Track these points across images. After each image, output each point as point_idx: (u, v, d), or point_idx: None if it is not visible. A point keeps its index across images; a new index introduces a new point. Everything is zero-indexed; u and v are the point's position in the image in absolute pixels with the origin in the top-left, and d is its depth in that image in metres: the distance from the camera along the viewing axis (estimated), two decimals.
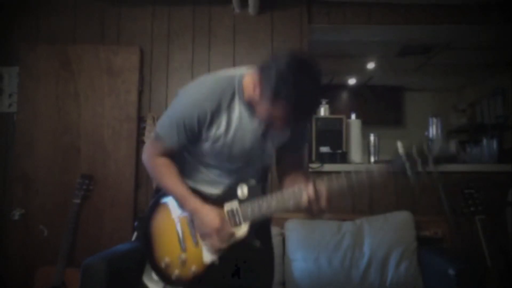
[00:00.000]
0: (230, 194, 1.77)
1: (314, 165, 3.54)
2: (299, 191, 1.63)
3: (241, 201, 1.75)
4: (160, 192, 1.88)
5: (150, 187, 3.31)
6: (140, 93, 3.59)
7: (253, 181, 1.80)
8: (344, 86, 6.89)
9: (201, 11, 3.66)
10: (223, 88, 1.67)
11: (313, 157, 3.67)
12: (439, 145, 1.55)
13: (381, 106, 6.92)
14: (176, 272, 1.80)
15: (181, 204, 1.78)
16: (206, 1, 3.64)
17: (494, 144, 4.40)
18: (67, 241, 3.18)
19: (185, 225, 1.80)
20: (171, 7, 3.67)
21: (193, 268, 1.78)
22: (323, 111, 3.92)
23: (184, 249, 1.79)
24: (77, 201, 3.28)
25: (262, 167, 1.87)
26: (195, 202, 1.73)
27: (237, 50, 3.61)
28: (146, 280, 2.95)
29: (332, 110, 4.15)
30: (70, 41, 3.62)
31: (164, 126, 1.77)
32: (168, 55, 3.65)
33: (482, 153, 4.43)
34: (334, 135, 3.79)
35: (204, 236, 1.73)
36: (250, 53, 3.60)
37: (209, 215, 1.70)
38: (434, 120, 4.49)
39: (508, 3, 3.57)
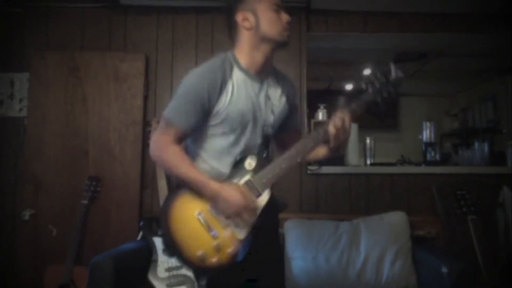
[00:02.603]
0: (238, 170, 1.76)
1: (312, 167, 3.55)
2: (317, 132, 1.77)
3: (252, 172, 1.75)
4: (168, 195, 1.85)
5: (155, 188, 3.32)
6: (146, 98, 3.61)
7: (257, 151, 1.81)
8: (341, 91, 6.90)
9: (204, 19, 3.69)
10: (221, 63, 1.78)
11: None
12: (393, 70, 1.77)
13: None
14: (214, 260, 1.69)
15: (201, 190, 1.69)
16: (209, 10, 3.66)
17: (485, 147, 4.40)
18: (75, 240, 3.19)
19: (208, 213, 1.71)
20: (175, 15, 3.69)
21: (230, 249, 1.69)
22: (321, 115, 3.93)
23: (216, 236, 1.69)
24: (85, 202, 3.29)
25: (264, 137, 1.87)
26: (215, 185, 1.67)
27: None
28: (151, 277, 2.98)
29: (330, 115, 4.15)
30: (78, 48, 3.64)
31: (174, 110, 1.75)
32: (172, 61, 3.67)
33: (474, 156, 4.44)
34: None
35: (233, 215, 1.66)
36: None
37: (232, 194, 1.65)
38: (428, 124, 4.51)
39: (499, 14, 3.59)
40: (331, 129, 1.72)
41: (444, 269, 2.58)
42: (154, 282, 2.97)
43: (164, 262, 3.02)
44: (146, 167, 3.54)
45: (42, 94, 3.51)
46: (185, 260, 1.71)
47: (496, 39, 3.89)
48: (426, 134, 4.45)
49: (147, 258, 3.05)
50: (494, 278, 2.73)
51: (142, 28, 3.69)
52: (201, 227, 1.70)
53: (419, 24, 3.69)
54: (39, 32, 3.67)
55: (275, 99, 1.90)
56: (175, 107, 1.74)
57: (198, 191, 1.70)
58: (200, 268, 1.74)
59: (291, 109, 1.99)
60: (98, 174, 3.43)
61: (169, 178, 3.42)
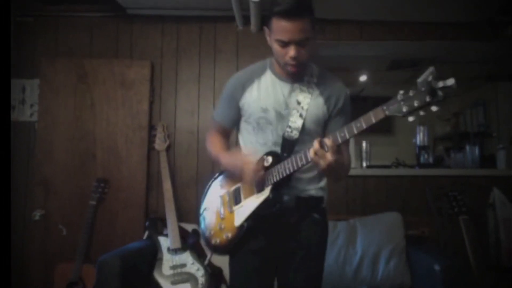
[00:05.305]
0: (260, 164, 1.81)
1: None
2: (304, 151, 1.64)
3: (266, 169, 1.78)
4: (216, 175, 2.05)
5: (160, 190, 3.34)
6: (151, 104, 3.63)
7: (277, 150, 1.81)
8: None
9: (207, 28, 3.71)
10: (256, 66, 1.95)
11: None
12: (428, 79, 1.43)
13: None
14: (217, 240, 1.90)
15: (220, 163, 1.94)
16: (212, 19, 3.69)
17: (476, 150, 4.42)
18: (84, 240, 3.21)
19: (225, 196, 1.93)
20: (179, 24, 3.72)
21: (228, 234, 1.85)
22: None
23: (222, 217, 1.90)
24: (93, 202, 3.32)
25: (288, 139, 1.81)
26: (224, 157, 1.90)
27: (240, 64, 3.65)
28: (156, 275, 3.00)
29: None
30: (86, 56, 3.67)
31: (216, 109, 2.06)
32: (177, 68, 3.70)
33: (465, 159, 4.46)
34: None
35: (240, 175, 1.80)
36: None
37: (232, 159, 1.85)
38: (421, 128, 4.52)
39: (490, 22, 3.62)
40: (311, 153, 1.56)
41: (437, 267, 2.60)
42: (159, 279, 2.99)
43: (168, 260, 3.04)
44: (152, 169, 3.56)
45: (52, 100, 3.54)
46: (203, 233, 1.99)
47: (486, 47, 3.91)
48: (420, 137, 4.46)
49: (152, 256, 3.07)
50: (484, 276, 2.75)
51: (148, 37, 3.72)
52: (218, 207, 1.94)
53: (412, 32, 3.71)
54: (49, 40, 3.71)
55: (306, 104, 1.81)
56: (217, 107, 2.06)
57: (221, 165, 1.94)
58: (209, 245, 1.95)
59: (332, 115, 1.86)
60: (105, 176, 3.46)
61: (173, 179, 3.45)
